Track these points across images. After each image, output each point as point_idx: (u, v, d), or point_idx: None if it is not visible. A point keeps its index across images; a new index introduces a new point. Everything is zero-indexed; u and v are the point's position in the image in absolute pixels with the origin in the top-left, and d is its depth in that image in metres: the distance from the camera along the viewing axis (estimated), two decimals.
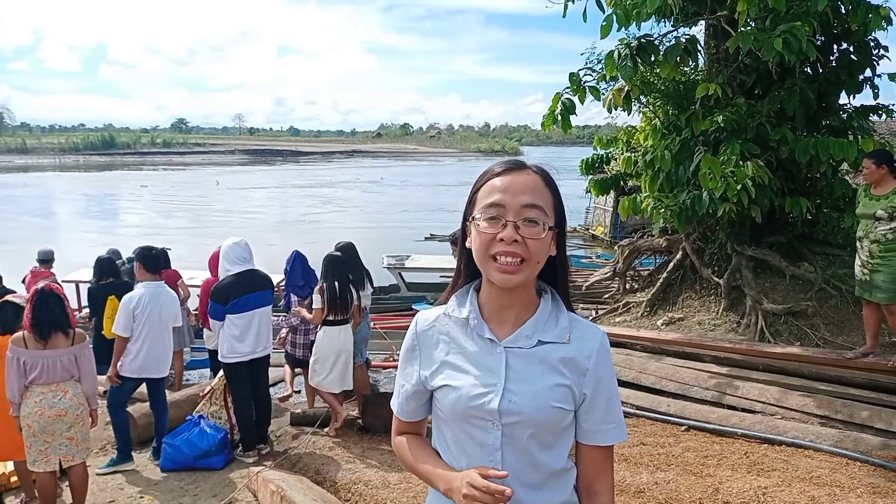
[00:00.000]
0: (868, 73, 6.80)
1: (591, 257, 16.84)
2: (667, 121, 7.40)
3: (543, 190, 1.32)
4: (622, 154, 8.01)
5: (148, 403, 5.30)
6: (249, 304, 5.07)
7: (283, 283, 6.80)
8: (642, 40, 6.36)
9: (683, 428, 5.01)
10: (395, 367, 1.57)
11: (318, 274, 5.66)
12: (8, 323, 4.20)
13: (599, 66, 6.84)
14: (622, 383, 5.51)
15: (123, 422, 4.99)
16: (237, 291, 5.02)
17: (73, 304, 8.53)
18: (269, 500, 4.09)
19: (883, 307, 5.01)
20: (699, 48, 6.92)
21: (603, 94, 7.01)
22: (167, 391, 5.84)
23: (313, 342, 5.59)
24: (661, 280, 8.00)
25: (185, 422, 5.11)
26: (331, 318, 5.45)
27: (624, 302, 8.45)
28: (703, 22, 7.15)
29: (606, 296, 9.71)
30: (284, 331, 6.16)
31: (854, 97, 7.02)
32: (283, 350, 6.29)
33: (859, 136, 6.79)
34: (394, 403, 1.51)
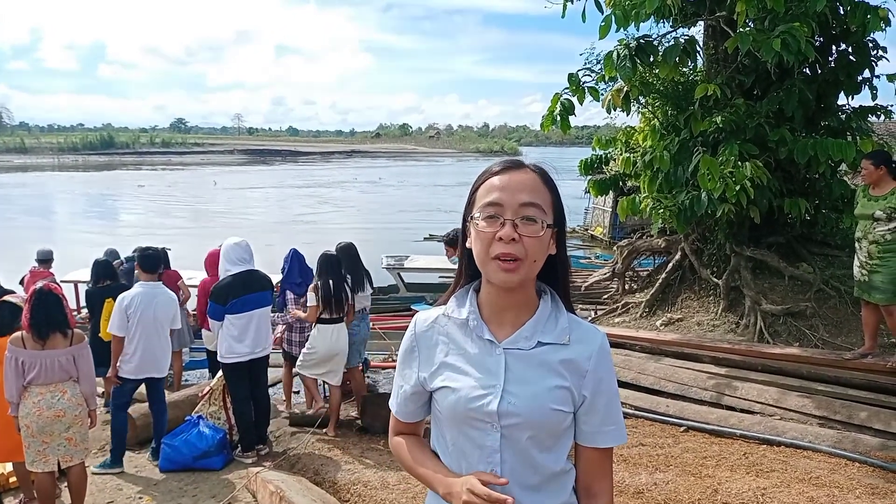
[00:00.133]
0: (867, 73, 6.82)
1: (589, 258, 16.85)
2: (666, 121, 7.40)
3: (542, 188, 1.32)
4: (621, 154, 8.01)
5: (147, 404, 5.30)
6: (248, 305, 5.07)
7: (279, 283, 6.80)
8: (641, 41, 6.36)
9: (682, 429, 5.01)
10: (394, 368, 1.56)
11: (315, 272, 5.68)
12: (5, 323, 4.19)
13: (598, 66, 6.85)
14: (621, 384, 5.51)
15: (121, 424, 4.98)
16: (236, 292, 5.02)
17: (72, 305, 8.51)
18: (268, 501, 4.08)
19: (882, 308, 5.01)
20: (698, 49, 6.92)
21: (602, 94, 7.02)
22: (166, 391, 5.84)
23: None
24: (659, 281, 8.00)
25: (184, 422, 5.11)
26: (325, 316, 5.46)
27: (623, 302, 8.45)
28: (701, 22, 7.16)
29: (605, 296, 9.70)
30: (280, 328, 6.16)
31: (853, 98, 7.04)
32: (280, 349, 6.29)
33: (858, 137, 6.80)
34: (392, 403, 1.50)
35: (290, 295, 6.12)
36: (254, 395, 5.22)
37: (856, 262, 5.13)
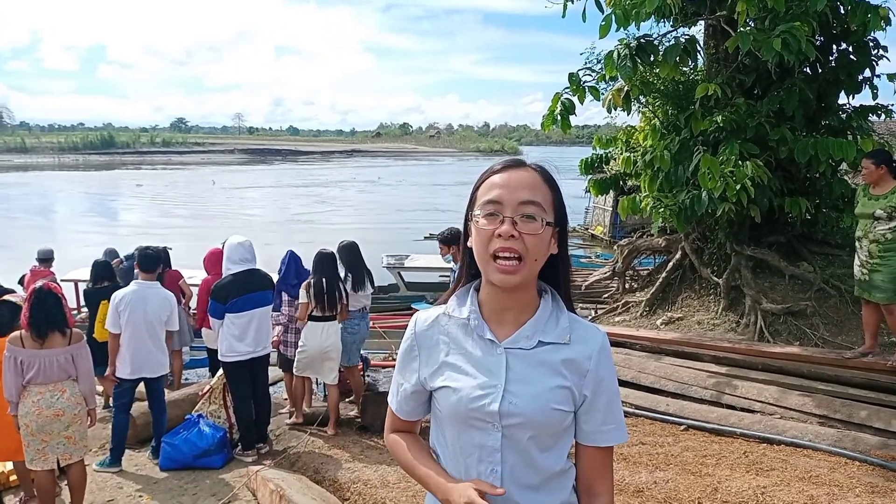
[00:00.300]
0: (867, 73, 6.81)
1: (590, 257, 16.86)
2: (666, 121, 7.40)
3: (542, 186, 1.32)
4: (621, 154, 8.01)
5: (147, 403, 5.30)
6: (249, 304, 5.07)
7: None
8: (642, 40, 6.36)
9: (682, 427, 5.01)
10: (394, 366, 1.55)
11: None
12: (5, 323, 4.20)
13: (599, 66, 6.85)
14: (621, 383, 5.50)
15: (121, 424, 4.98)
16: (237, 291, 5.02)
17: (72, 304, 8.52)
18: (268, 500, 4.09)
19: (882, 307, 5.01)
20: (698, 48, 6.92)
21: (602, 94, 7.02)
22: (167, 390, 5.84)
23: None
24: (660, 280, 8.00)
25: (185, 421, 5.12)
26: (316, 313, 5.46)
27: (623, 301, 8.45)
28: (702, 22, 7.15)
29: (606, 295, 9.71)
30: (277, 330, 6.15)
31: (853, 97, 7.03)
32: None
33: (858, 136, 6.80)
34: (392, 401, 1.50)
35: (285, 296, 6.12)
36: (254, 394, 5.22)
37: (856, 262, 5.13)
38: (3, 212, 32.66)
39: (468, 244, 1.37)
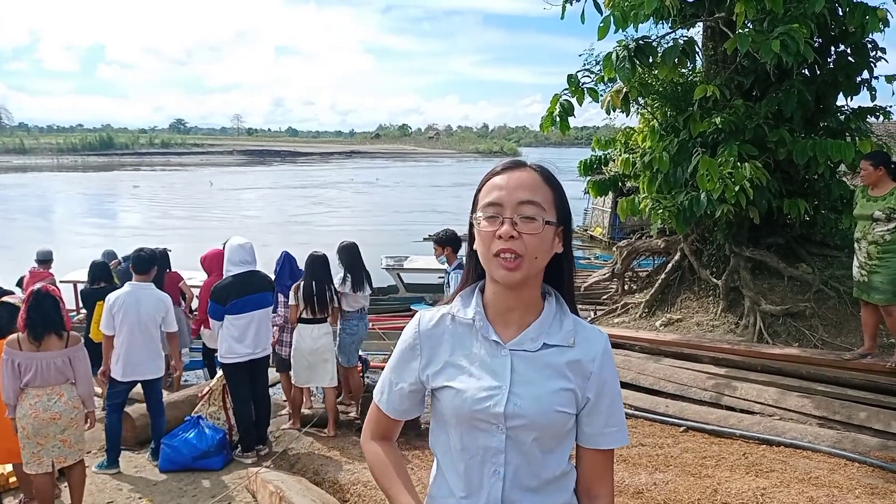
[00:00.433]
0: (865, 74, 6.82)
1: (589, 258, 16.88)
2: (665, 122, 7.41)
3: (542, 186, 1.32)
4: (620, 155, 8.01)
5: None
6: (248, 306, 5.07)
7: None
8: (640, 42, 6.36)
9: (682, 429, 5.01)
10: None
11: None
12: (3, 325, 4.19)
13: (598, 67, 6.86)
14: (620, 384, 5.51)
15: (114, 425, 4.96)
16: (236, 292, 5.02)
17: (71, 305, 8.51)
18: (267, 501, 4.08)
19: (881, 308, 5.01)
20: (697, 50, 6.93)
21: (601, 95, 7.03)
22: (166, 391, 5.84)
23: None
24: (659, 281, 8.01)
25: (184, 422, 5.11)
26: (306, 316, 5.46)
27: (622, 303, 8.46)
28: (700, 24, 7.16)
29: (605, 297, 9.72)
30: (273, 330, 6.15)
31: (851, 99, 7.05)
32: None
33: (857, 138, 6.81)
34: (381, 400, 1.47)
35: (281, 297, 6.12)
36: (254, 396, 5.22)
37: (855, 263, 5.14)
38: (2, 213, 32.65)
39: (474, 247, 1.37)
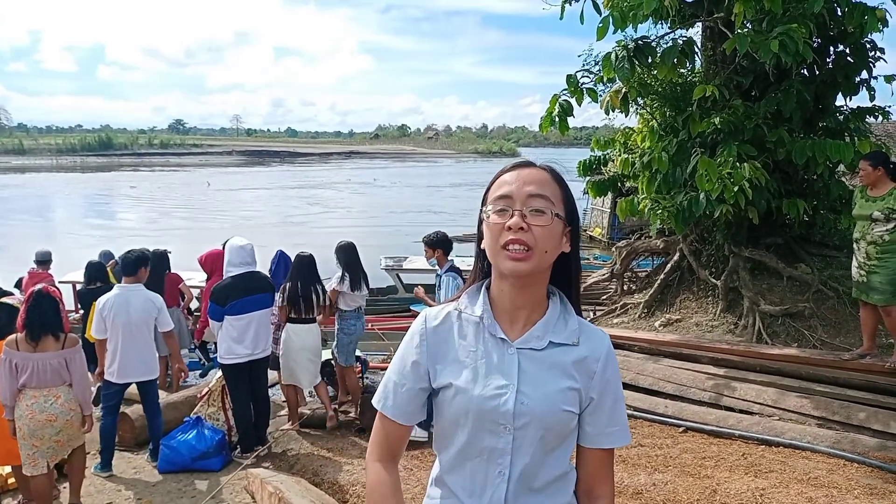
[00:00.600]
0: (864, 74, 6.81)
1: (588, 258, 16.88)
2: (664, 122, 7.41)
3: (551, 183, 1.33)
4: (619, 155, 8.01)
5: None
6: (248, 307, 5.07)
7: None
8: (639, 42, 6.36)
9: (681, 429, 5.01)
10: None
11: None
12: (2, 325, 4.19)
13: (597, 67, 6.86)
14: None
15: (108, 426, 4.94)
16: (236, 293, 5.02)
17: (70, 305, 8.50)
18: (267, 502, 4.08)
19: (880, 308, 5.01)
20: (696, 50, 6.93)
21: (600, 95, 7.03)
22: (166, 392, 5.83)
23: None
24: (658, 281, 8.01)
25: (183, 423, 5.10)
26: (294, 316, 5.50)
27: (621, 303, 8.45)
28: (699, 24, 7.16)
29: (604, 297, 9.71)
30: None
31: (850, 99, 7.04)
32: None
33: (856, 138, 6.81)
34: (386, 406, 1.41)
35: (277, 297, 6.13)
36: (253, 397, 5.22)
37: (854, 263, 5.14)
38: (1, 213, 32.62)
39: (482, 246, 1.37)
